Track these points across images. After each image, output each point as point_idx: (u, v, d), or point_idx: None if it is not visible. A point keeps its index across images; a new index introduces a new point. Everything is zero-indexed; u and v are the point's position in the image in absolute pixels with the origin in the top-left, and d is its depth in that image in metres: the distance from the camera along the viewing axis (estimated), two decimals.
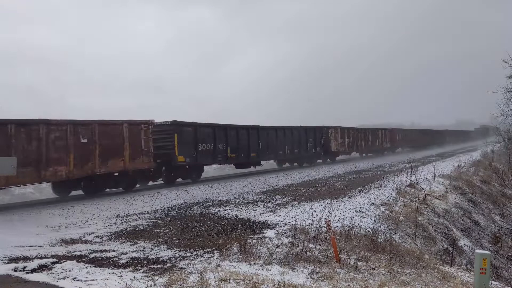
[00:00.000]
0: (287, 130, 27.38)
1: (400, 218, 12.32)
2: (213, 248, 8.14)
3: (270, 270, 6.75)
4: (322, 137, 31.73)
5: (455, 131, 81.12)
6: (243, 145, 22.80)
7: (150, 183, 19.10)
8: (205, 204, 13.43)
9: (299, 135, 28.63)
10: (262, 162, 25.42)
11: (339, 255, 7.52)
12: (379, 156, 42.11)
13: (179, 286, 5.81)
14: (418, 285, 6.73)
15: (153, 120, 17.40)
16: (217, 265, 6.76)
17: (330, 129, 32.75)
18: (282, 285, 5.92)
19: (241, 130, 22.95)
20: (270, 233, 9.44)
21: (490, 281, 7.06)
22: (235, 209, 12.46)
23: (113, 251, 8.04)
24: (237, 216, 11.38)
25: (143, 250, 8.11)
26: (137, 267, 6.96)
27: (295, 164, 30.08)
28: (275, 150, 25.87)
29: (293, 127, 28.42)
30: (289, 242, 8.29)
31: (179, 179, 20.23)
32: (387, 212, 12.86)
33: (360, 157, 40.10)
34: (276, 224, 10.38)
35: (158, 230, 9.87)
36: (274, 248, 7.88)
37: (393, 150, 47.53)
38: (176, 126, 18.92)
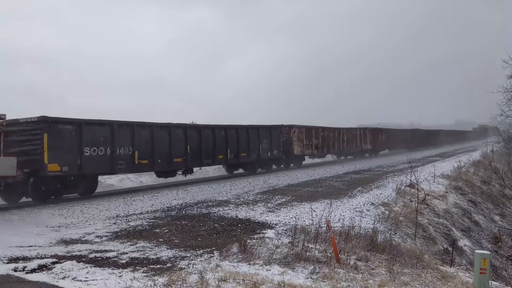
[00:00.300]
0: (230, 129, 22.22)
1: (400, 218, 12.33)
2: (213, 248, 8.15)
3: (270, 270, 6.76)
4: (281, 138, 26.79)
5: (451, 131, 75.76)
6: (161, 149, 17.81)
7: (24, 199, 14.74)
8: (205, 204, 13.44)
9: (248, 135, 23.34)
10: (195, 169, 20.56)
11: (339, 255, 7.52)
12: (358, 159, 36.58)
13: (179, 286, 5.82)
14: (418, 285, 6.74)
15: (4, 115, 13.24)
16: (217, 265, 6.77)
17: (293, 129, 27.92)
18: (282, 285, 5.92)
19: (159, 129, 17.95)
20: (270, 233, 9.44)
21: (490, 281, 7.07)
22: (235, 209, 12.46)
23: (113, 251, 8.04)
24: (237, 216, 11.38)
25: (143, 250, 8.11)
26: (137, 267, 6.96)
27: (250, 170, 25.08)
28: (213, 154, 20.75)
29: (238, 126, 23.16)
30: (289, 242, 8.30)
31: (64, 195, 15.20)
32: (387, 212, 12.87)
33: (334, 161, 35.53)
34: (276, 224, 10.38)
35: (158, 230, 9.87)
36: (274, 248, 7.88)
37: (376, 153, 42.33)
38: (46, 123, 13.85)
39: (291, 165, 28.92)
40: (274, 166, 27.26)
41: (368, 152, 40.77)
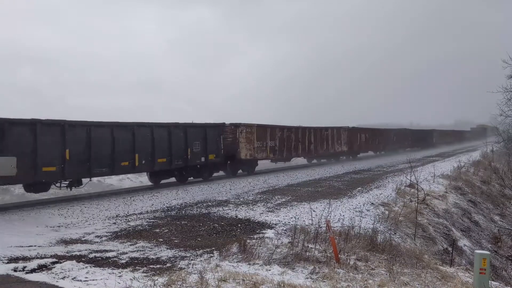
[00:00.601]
0: (140, 129, 17.19)
1: (400, 218, 12.34)
2: (213, 248, 8.15)
3: (269, 270, 6.76)
4: (224, 139, 22.07)
5: (447, 131, 70.84)
6: (19, 154, 12.79)
7: None
8: (204, 204, 13.44)
9: (170, 136, 18.54)
10: (85, 180, 15.69)
11: (339, 255, 7.52)
12: (333, 163, 32.77)
13: (178, 286, 5.82)
14: (417, 285, 6.75)
15: None
16: (217, 265, 6.77)
17: (240, 128, 22.93)
18: (282, 285, 5.92)
19: (13, 127, 13.10)
20: (269, 233, 9.45)
21: (489, 281, 7.08)
22: (235, 209, 12.47)
23: (113, 251, 8.04)
24: (236, 216, 11.38)
25: (142, 250, 8.11)
26: (136, 267, 6.96)
27: (189, 179, 20.86)
28: (112, 160, 15.91)
29: (154, 124, 18.10)
30: (289, 242, 8.30)
31: None
32: (386, 212, 12.88)
33: (299, 166, 31.02)
34: (275, 224, 10.38)
35: (157, 230, 9.88)
36: (274, 248, 7.88)
37: (354, 155, 37.90)
38: None
39: (240, 171, 24.20)
40: (221, 173, 23.22)
41: (345, 155, 36.26)
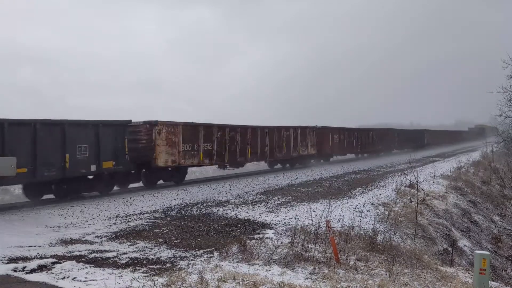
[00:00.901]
0: None
1: (400, 218, 12.34)
2: (213, 249, 8.15)
3: (269, 270, 6.76)
4: (136, 141, 17.35)
5: (442, 131, 66.09)
6: None
7: None
8: (204, 204, 13.44)
9: (35, 138, 13.16)
10: None
11: (339, 256, 7.53)
12: (300, 168, 27.87)
13: (178, 286, 5.82)
14: (417, 286, 6.75)
15: None
16: (217, 266, 6.77)
17: (157, 127, 17.74)
18: (282, 285, 5.92)
19: None
20: (269, 233, 9.45)
21: (489, 282, 7.08)
22: (235, 209, 12.47)
23: (113, 251, 8.04)
24: (236, 216, 11.38)
25: (142, 250, 8.12)
26: (136, 267, 6.97)
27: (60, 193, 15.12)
28: None
29: (7, 121, 12.58)
30: (289, 243, 8.30)
31: None
32: (386, 212, 12.89)
33: (252, 173, 26.12)
34: (275, 225, 10.39)
35: (157, 230, 9.88)
36: (274, 249, 7.88)
37: (326, 158, 33.27)
38: None
39: (160, 181, 19.13)
40: (139, 184, 18.34)
41: (314, 158, 31.45)
